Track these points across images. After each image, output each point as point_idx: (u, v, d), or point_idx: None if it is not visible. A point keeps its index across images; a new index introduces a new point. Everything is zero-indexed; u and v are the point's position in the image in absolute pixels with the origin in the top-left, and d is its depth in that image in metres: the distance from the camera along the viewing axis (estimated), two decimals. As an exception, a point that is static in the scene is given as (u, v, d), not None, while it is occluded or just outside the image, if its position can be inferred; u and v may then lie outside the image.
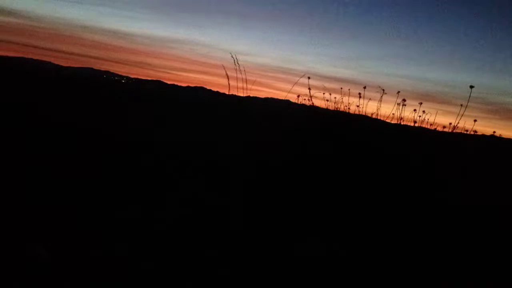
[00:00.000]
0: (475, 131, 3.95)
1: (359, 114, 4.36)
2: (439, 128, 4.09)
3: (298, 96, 4.52)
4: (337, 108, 4.48)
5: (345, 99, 4.39)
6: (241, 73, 4.32)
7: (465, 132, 3.97)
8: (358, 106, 4.34)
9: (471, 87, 3.75)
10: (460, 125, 3.94)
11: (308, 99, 4.45)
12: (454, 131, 3.99)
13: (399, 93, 4.10)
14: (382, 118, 4.25)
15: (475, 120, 3.92)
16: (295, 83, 4.43)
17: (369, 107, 4.32)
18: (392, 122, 4.22)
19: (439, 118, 4.13)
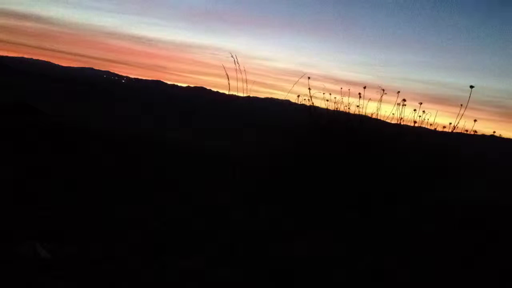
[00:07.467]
0: (475, 131, 3.94)
1: (359, 114, 4.33)
2: (439, 128, 4.08)
3: (298, 96, 4.47)
4: (337, 108, 4.44)
5: (345, 99, 4.35)
6: (241, 73, 4.30)
7: (465, 132, 3.96)
8: (358, 106, 4.31)
9: (471, 87, 3.75)
10: (461, 125, 3.93)
11: (308, 99, 4.42)
12: (454, 131, 3.98)
13: (399, 93, 4.08)
14: (382, 118, 4.23)
15: (475, 120, 3.91)
16: (295, 83, 4.40)
17: (370, 108, 4.29)
18: (392, 122, 4.20)
19: (443, 119, 4.10)
